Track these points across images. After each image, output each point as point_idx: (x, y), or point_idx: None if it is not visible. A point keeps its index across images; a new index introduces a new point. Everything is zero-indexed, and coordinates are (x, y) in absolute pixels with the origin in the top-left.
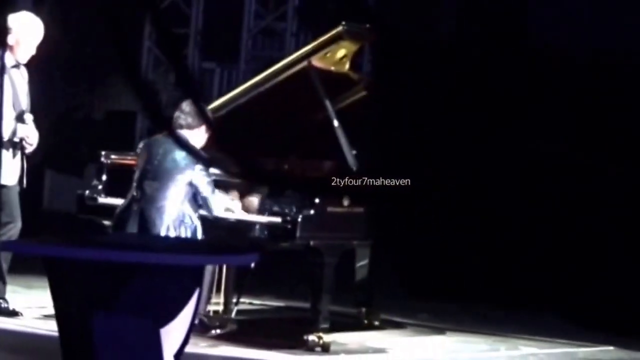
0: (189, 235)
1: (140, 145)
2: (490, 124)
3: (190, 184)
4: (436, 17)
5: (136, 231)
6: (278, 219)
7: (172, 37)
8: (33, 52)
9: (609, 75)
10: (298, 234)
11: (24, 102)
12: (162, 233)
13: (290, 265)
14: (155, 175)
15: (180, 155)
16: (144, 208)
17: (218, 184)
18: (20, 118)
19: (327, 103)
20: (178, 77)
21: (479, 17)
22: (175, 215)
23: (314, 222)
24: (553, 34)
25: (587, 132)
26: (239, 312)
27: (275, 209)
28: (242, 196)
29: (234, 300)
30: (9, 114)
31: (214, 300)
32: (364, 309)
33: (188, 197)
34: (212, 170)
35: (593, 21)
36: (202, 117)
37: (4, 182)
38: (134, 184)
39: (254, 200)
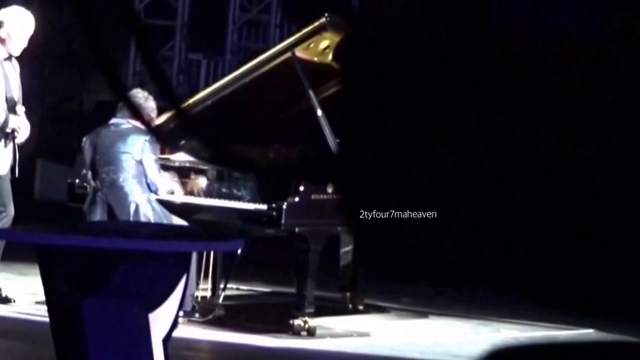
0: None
1: (84, 140)
2: (455, 109)
3: (141, 162)
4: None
5: (105, 218)
6: (263, 206)
7: (143, 31)
8: (24, 45)
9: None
10: (283, 220)
11: (16, 93)
12: (132, 211)
13: (276, 251)
14: (108, 160)
15: (126, 138)
16: (107, 194)
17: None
18: (12, 109)
19: (311, 93)
20: (150, 73)
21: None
22: (139, 192)
23: (299, 208)
24: (518, 18)
25: (554, 117)
26: (226, 297)
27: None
28: (186, 179)
29: (221, 285)
30: (1, 105)
31: (201, 285)
32: (348, 294)
33: (140, 175)
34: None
35: (560, 6)
36: (135, 114)
37: None
38: (89, 178)
39: (201, 182)
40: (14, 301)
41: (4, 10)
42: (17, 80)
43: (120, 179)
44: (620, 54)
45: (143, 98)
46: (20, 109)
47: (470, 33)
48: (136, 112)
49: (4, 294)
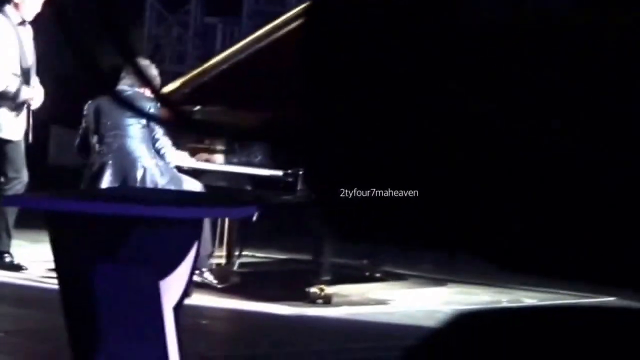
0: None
1: (87, 106)
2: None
3: (147, 127)
4: None
5: (113, 184)
6: (279, 172)
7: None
8: (38, 9)
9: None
10: (299, 186)
11: (30, 59)
12: (139, 177)
13: (292, 218)
14: (114, 125)
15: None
16: (114, 158)
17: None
18: (26, 77)
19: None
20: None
21: None
22: (147, 157)
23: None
24: None
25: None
26: (241, 264)
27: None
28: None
29: (237, 253)
30: (14, 72)
31: (216, 253)
32: (366, 261)
33: (147, 139)
34: None
35: None
36: (142, 78)
37: (10, 137)
38: (95, 143)
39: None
40: (26, 269)
41: None
42: (31, 46)
43: (128, 144)
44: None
45: (145, 66)
46: (35, 79)
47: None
48: (144, 78)
49: (16, 262)
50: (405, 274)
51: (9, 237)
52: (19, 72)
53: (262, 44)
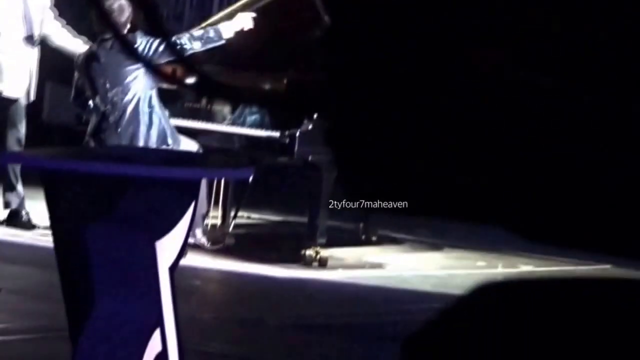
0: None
1: (76, 62)
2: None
3: (147, 73)
4: None
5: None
6: (276, 133)
7: None
8: None
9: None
10: (296, 148)
11: (37, 21)
12: (144, 132)
13: (288, 180)
14: (114, 81)
15: (120, 53)
16: (118, 117)
17: None
18: (29, 39)
19: (327, 19)
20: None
21: None
22: (155, 109)
23: (313, 136)
24: None
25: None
26: (236, 226)
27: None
28: None
29: (232, 214)
30: (19, 30)
31: (211, 213)
32: (361, 224)
33: (151, 87)
34: None
35: None
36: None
37: (10, 95)
38: (97, 101)
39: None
40: (38, 227)
41: None
42: (43, 5)
43: (130, 99)
44: None
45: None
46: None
47: None
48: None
49: (33, 221)
50: (400, 237)
51: (18, 195)
52: (23, 32)
53: (261, 4)
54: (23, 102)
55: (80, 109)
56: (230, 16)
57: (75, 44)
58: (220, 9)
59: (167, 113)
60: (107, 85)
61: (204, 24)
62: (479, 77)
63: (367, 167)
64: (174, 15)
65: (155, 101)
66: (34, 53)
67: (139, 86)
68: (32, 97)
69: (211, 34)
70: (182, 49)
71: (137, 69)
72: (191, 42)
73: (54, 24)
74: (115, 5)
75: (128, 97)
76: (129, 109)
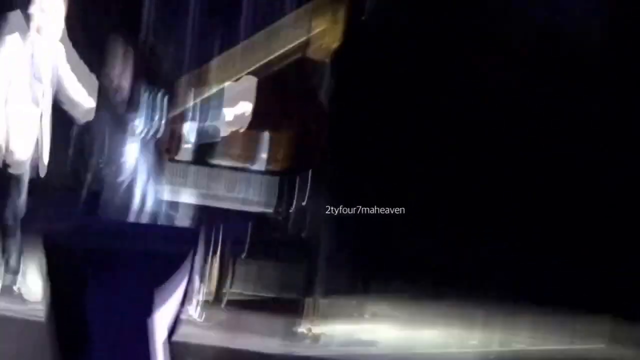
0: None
1: (74, 131)
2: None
3: (142, 151)
4: None
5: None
6: (269, 210)
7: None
8: (61, 28)
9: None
10: (290, 224)
11: (46, 87)
12: (135, 214)
13: (282, 255)
14: (107, 159)
15: (118, 128)
16: (110, 196)
17: None
18: (36, 103)
19: (323, 92)
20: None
21: None
22: (143, 190)
23: (306, 212)
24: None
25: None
26: (229, 301)
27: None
28: None
29: (224, 290)
30: (27, 94)
31: (204, 289)
32: (355, 300)
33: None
34: None
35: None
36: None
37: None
38: (88, 177)
39: None
40: (29, 302)
41: None
42: (54, 68)
43: (123, 179)
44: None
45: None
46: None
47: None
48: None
49: (25, 295)
50: (394, 314)
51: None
52: (27, 98)
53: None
54: (26, 176)
55: (78, 179)
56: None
57: (84, 101)
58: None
59: (161, 196)
60: (101, 161)
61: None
62: (475, 152)
63: (361, 245)
64: (173, 61)
65: (150, 185)
66: (45, 118)
67: (134, 166)
68: (42, 173)
69: (210, 130)
70: (180, 137)
71: (134, 147)
72: (189, 134)
73: (68, 77)
74: (116, 73)
75: (121, 178)
76: (121, 189)
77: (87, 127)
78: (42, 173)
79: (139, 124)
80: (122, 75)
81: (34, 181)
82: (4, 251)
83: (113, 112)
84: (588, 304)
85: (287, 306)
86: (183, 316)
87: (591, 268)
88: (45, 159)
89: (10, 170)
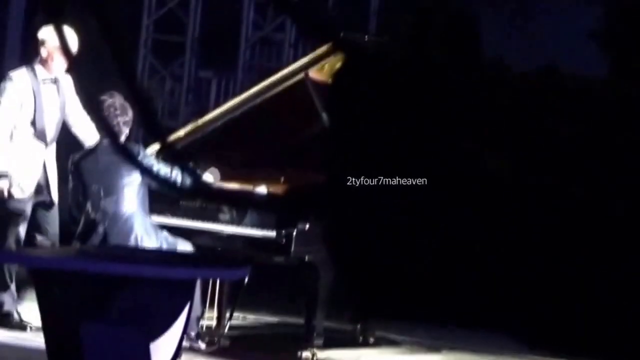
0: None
1: (71, 163)
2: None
3: (143, 183)
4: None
5: None
6: (272, 233)
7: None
8: (65, 65)
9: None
10: (293, 248)
11: (51, 118)
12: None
13: (285, 279)
14: (108, 189)
15: (119, 159)
16: (109, 227)
17: None
18: (42, 137)
19: (325, 115)
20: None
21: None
22: (143, 221)
23: (310, 236)
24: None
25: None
26: (232, 327)
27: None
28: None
29: (227, 314)
30: (27, 131)
31: (206, 314)
32: (359, 325)
33: (143, 199)
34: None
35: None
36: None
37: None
38: (88, 206)
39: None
40: (31, 328)
41: (45, 28)
42: (58, 104)
43: (124, 210)
44: (610, 88)
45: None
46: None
47: (464, 57)
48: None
49: (24, 322)
50: (398, 339)
51: (12, 294)
52: (30, 134)
53: (259, 100)
54: (29, 201)
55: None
56: (226, 113)
57: (90, 133)
58: (216, 105)
59: (162, 232)
60: (102, 193)
61: (200, 122)
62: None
63: (365, 271)
64: (169, 111)
65: (149, 220)
66: (49, 152)
67: (135, 199)
68: (55, 198)
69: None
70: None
71: (135, 179)
72: (184, 178)
73: (77, 112)
74: (117, 104)
75: (121, 209)
76: (121, 221)
77: (90, 155)
78: (53, 203)
79: (142, 157)
80: (124, 110)
81: (44, 210)
82: (4, 277)
83: (116, 142)
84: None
85: (290, 331)
86: (185, 343)
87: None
88: (54, 190)
89: (15, 202)
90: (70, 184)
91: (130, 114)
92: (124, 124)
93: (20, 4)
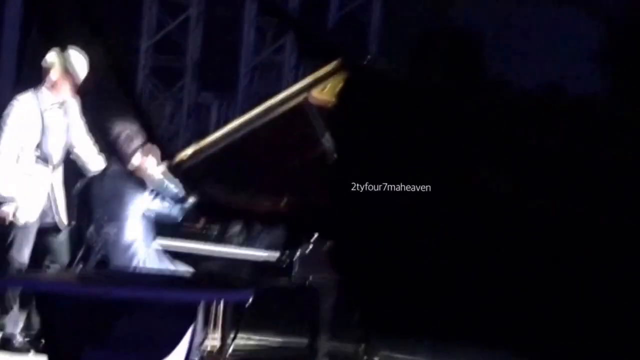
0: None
1: (77, 188)
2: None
3: (147, 211)
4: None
5: None
6: (274, 257)
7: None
8: (73, 88)
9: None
10: (294, 272)
11: (57, 143)
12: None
13: (288, 301)
14: (112, 216)
15: (125, 187)
16: (111, 253)
17: None
18: (46, 161)
19: (325, 138)
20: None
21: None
22: (145, 248)
23: (311, 259)
24: (513, 69)
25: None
26: (235, 348)
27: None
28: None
29: (231, 336)
30: (32, 155)
31: (210, 336)
32: (363, 345)
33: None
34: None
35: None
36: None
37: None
38: (90, 231)
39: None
40: (34, 352)
41: (53, 52)
42: (64, 128)
43: (125, 238)
44: (612, 109)
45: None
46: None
47: (465, 79)
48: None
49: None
50: (401, 358)
51: (15, 317)
52: (35, 158)
53: (259, 122)
54: (34, 226)
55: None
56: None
57: (97, 164)
58: (217, 128)
59: (166, 261)
60: (105, 218)
61: (200, 145)
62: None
63: (368, 287)
64: (168, 136)
65: (152, 249)
66: (55, 175)
67: (138, 227)
68: (62, 227)
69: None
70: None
71: (139, 207)
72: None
73: (80, 136)
74: (129, 131)
75: (123, 236)
76: (123, 248)
77: (97, 180)
78: (62, 227)
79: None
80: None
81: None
82: (8, 300)
83: (121, 169)
84: None
85: (294, 353)
86: None
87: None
88: (62, 214)
89: (20, 226)
90: (76, 208)
91: (140, 140)
92: (134, 150)
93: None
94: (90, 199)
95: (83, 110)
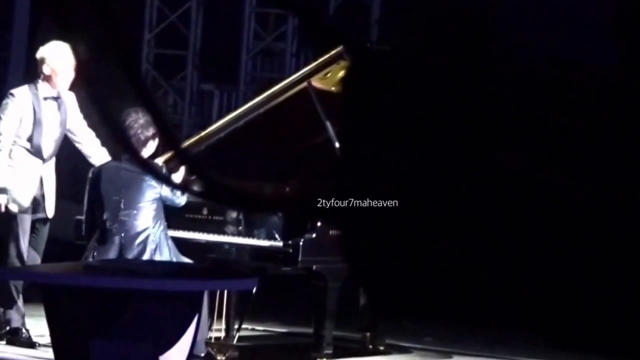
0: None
1: (92, 174)
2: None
3: (158, 199)
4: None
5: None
6: (279, 243)
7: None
8: (69, 80)
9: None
10: (300, 257)
11: (49, 135)
12: (149, 256)
13: (293, 290)
14: (128, 203)
15: (142, 174)
16: (125, 239)
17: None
18: (38, 154)
19: (328, 124)
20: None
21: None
22: (156, 238)
23: (317, 245)
24: (522, 41)
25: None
26: (240, 338)
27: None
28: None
29: (236, 325)
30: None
31: (215, 326)
32: (368, 334)
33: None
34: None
35: (557, 32)
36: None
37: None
38: (105, 216)
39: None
40: (38, 345)
41: (45, 46)
42: (58, 121)
43: (139, 225)
44: (622, 81)
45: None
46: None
47: (473, 52)
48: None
49: (33, 338)
50: (408, 346)
51: (18, 311)
52: (27, 150)
53: (262, 110)
54: (28, 215)
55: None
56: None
57: (99, 156)
58: (219, 117)
59: (174, 247)
60: (122, 205)
61: (202, 133)
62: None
63: (374, 278)
64: (173, 123)
65: (164, 234)
66: (46, 168)
67: (150, 215)
68: (50, 214)
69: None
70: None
71: (153, 196)
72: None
73: (81, 129)
74: (141, 121)
75: (138, 222)
76: (136, 235)
77: (112, 167)
78: (50, 214)
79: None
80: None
81: (39, 225)
82: (11, 293)
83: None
84: None
85: (299, 341)
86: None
87: None
88: (50, 206)
89: (14, 213)
90: (87, 194)
91: (152, 130)
92: (147, 139)
93: (23, 22)
94: (105, 185)
95: (90, 101)
